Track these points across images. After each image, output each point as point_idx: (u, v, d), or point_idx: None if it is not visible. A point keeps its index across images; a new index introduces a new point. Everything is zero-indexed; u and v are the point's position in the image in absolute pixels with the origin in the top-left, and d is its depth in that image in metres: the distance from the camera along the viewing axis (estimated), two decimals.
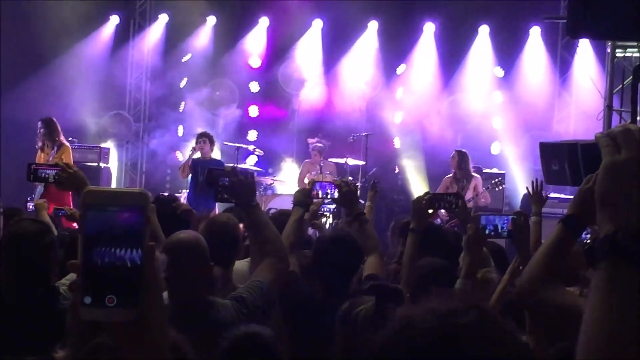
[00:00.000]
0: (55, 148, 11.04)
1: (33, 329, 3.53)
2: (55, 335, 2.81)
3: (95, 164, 13.47)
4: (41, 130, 11.11)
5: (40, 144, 11.21)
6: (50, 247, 3.81)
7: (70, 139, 13.40)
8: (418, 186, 14.36)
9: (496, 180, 12.26)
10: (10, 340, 3.39)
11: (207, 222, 4.78)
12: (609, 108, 11.11)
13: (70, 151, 11.27)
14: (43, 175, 4.51)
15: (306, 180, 13.21)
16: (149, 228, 1.40)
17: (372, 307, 3.38)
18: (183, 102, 15.39)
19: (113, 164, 14.43)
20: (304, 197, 4.99)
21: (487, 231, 4.43)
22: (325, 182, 5.44)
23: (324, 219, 11.23)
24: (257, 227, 3.76)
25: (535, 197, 5.75)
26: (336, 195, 5.12)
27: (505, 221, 4.42)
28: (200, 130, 12.88)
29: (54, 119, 11.23)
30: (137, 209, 1.38)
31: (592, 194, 1.45)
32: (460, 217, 5.36)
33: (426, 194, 5.28)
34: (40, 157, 10.92)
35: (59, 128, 11.18)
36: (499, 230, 4.44)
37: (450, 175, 11.66)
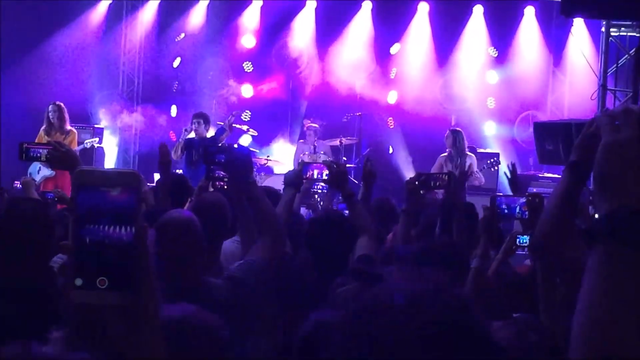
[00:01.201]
0: (65, 135, 11.24)
1: (31, 312, 3.49)
2: (54, 318, 2.78)
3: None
4: (55, 113, 11.28)
5: (45, 126, 11.33)
6: (49, 228, 3.77)
7: (68, 119, 13.41)
8: (411, 166, 14.36)
9: (491, 160, 12.25)
10: (6, 323, 3.36)
11: (195, 201, 4.75)
12: (603, 87, 11.11)
13: (77, 136, 11.70)
14: (35, 154, 4.49)
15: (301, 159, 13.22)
16: (141, 208, 1.39)
17: (354, 290, 3.36)
18: (176, 82, 15.33)
19: (106, 144, 14.36)
20: (295, 178, 4.98)
21: (504, 212, 4.47)
22: (316, 163, 5.43)
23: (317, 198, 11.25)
24: (253, 205, 3.73)
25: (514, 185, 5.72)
26: (325, 176, 5.12)
27: (521, 203, 4.45)
28: (193, 110, 12.85)
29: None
30: (129, 189, 1.38)
31: (595, 138, 1.44)
32: (449, 195, 5.34)
33: (418, 174, 5.28)
34: (42, 140, 10.95)
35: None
36: (515, 212, 4.47)
37: (445, 154, 11.64)
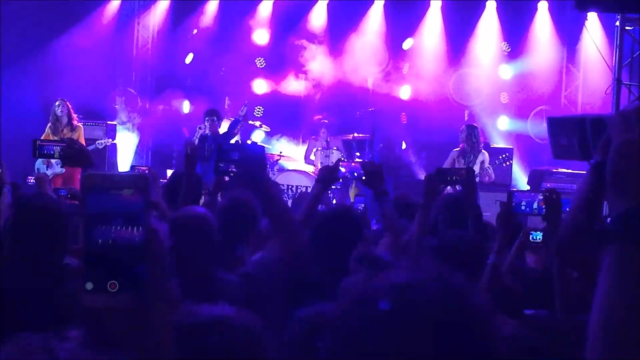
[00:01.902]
0: (73, 130, 11.32)
1: (45, 310, 3.48)
2: (70, 315, 2.76)
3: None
4: (64, 109, 11.36)
5: (51, 123, 11.41)
6: (62, 223, 3.75)
7: (76, 115, 13.46)
8: (424, 161, 14.34)
9: (503, 155, 12.22)
10: (21, 322, 3.34)
11: (227, 199, 4.72)
12: (618, 82, 11.05)
13: (82, 131, 11.74)
14: (48, 151, 4.48)
15: (312, 157, 13.24)
16: (150, 212, 1.39)
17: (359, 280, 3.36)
18: (189, 79, 15.35)
19: (119, 140, 14.38)
20: (329, 175, 4.97)
21: (521, 208, 4.47)
22: (354, 163, 5.47)
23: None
24: (268, 203, 3.71)
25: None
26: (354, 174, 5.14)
27: (539, 199, 4.44)
28: (205, 106, 12.89)
29: None
30: (138, 192, 1.38)
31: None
32: (466, 190, 5.31)
33: (437, 169, 5.26)
34: (49, 137, 11.05)
35: None
36: (531, 208, 4.47)
37: (457, 149, 11.60)
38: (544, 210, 4.32)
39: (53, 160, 10.83)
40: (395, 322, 1.28)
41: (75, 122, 11.59)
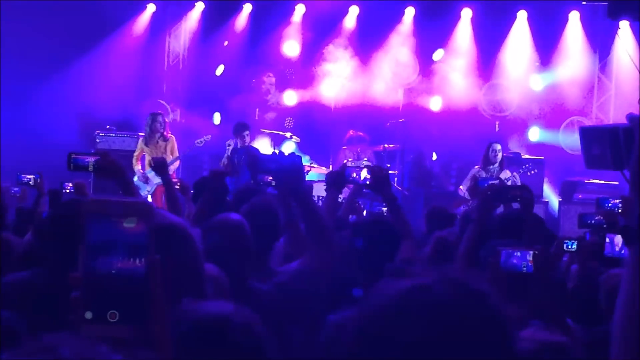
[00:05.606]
0: (164, 140, 11.94)
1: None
2: None
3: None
4: (158, 122, 11.93)
5: (145, 134, 12.04)
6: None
7: (108, 127, 13.61)
8: (454, 172, 14.29)
9: (526, 165, 12.17)
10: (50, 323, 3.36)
11: (250, 204, 4.71)
12: None
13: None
14: (82, 163, 4.52)
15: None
16: (153, 240, 1.36)
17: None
18: (219, 90, 15.41)
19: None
20: (337, 179, 4.97)
21: None
22: (358, 166, 5.40)
23: None
24: (304, 214, 3.70)
25: None
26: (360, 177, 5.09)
27: None
28: (236, 117, 12.95)
29: None
30: (141, 219, 1.35)
31: None
32: (524, 209, 5.13)
33: (491, 185, 5.18)
34: (142, 148, 11.80)
35: None
36: None
37: (478, 167, 11.53)
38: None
39: (150, 175, 11.39)
40: (409, 322, 1.28)
41: (167, 134, 12.03)
